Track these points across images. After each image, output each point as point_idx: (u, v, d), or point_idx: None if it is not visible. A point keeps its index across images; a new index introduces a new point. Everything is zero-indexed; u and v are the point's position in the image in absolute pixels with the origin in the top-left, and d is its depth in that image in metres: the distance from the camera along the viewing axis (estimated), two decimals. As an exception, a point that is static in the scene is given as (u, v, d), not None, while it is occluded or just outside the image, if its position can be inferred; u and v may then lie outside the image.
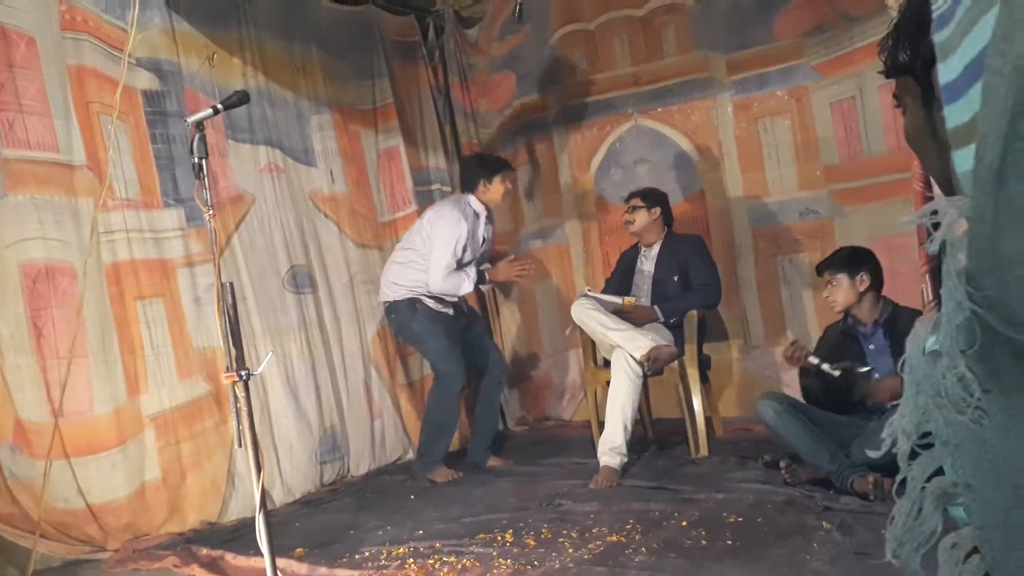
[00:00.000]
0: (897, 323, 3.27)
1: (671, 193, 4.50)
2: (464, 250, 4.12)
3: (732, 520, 2.95)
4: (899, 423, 0.49)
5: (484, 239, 4.30)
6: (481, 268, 4.22)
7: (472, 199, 4.21)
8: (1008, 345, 0.43)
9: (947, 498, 0.47)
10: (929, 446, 0.47)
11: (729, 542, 2.73)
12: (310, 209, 4.46)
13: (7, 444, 3.26)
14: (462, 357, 4.14)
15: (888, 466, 3.15)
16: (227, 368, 2.29)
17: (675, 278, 4.21)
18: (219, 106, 2.47)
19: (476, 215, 4.20)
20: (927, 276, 2.24)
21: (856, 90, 4.21)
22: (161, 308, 3.71)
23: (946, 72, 0.53)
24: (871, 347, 3.32)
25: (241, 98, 2.54)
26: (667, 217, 4.34)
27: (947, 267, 0.47)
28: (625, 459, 3.75)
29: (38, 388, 3.32)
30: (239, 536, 3.40)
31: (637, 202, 4.30)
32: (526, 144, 5.49)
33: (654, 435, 4.53)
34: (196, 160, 2.36)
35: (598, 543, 2.87)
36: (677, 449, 4.17)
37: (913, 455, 0.51)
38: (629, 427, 3.77)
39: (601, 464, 3.73)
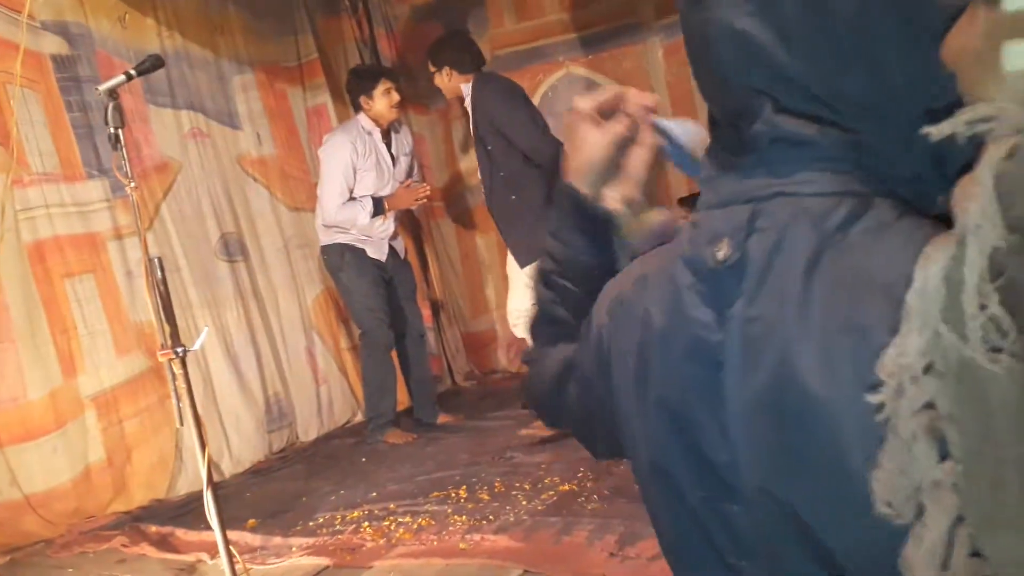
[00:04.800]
0: None
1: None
2: (356, 173, 3.93)
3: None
4: (899, 360, 0.45)
5: (395, 157, 4.12)
6: (376, 196, 3.98)
7: (362, 118, 4.03)
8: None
9: (934, 432, 0.45)
10: None
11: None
12: (238, 174, 4.33)
13: None
14: (387, 314, 4.07)
15: None
16: (162, 346, 2.23)
17: None
18: (132, 72, 2.35)
19: (369, 134, 4.01)
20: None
21: (784, 29, 4.23)
22: (93, 284, 3.59)
23: None
24: None
25: (154, 63, 2.44)
26: None
27: (984, 182, 0.41)
28: None
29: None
30: (190, 511, 3.35)
31: None
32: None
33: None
34: (112, 131, 2.26)
35: (551, 493, 2.91)
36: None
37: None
38: None
39: None
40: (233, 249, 4.21)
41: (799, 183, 0.57)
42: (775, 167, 0.58)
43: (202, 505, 2.31)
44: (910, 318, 0.45)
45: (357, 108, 4.07)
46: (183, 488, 3.69)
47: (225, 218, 4.19)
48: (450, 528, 2.71)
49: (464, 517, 2.79)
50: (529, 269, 3.73)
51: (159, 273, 2.25)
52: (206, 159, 4.15)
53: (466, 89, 3.83)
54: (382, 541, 2.72)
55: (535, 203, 3.56)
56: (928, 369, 0.43)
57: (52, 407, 3.41)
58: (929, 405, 0.44)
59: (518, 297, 3.86)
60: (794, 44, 0.55)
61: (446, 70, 3.83)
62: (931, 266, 0.44)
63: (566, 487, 2.94)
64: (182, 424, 2.24)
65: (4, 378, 3.30)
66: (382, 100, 3.97)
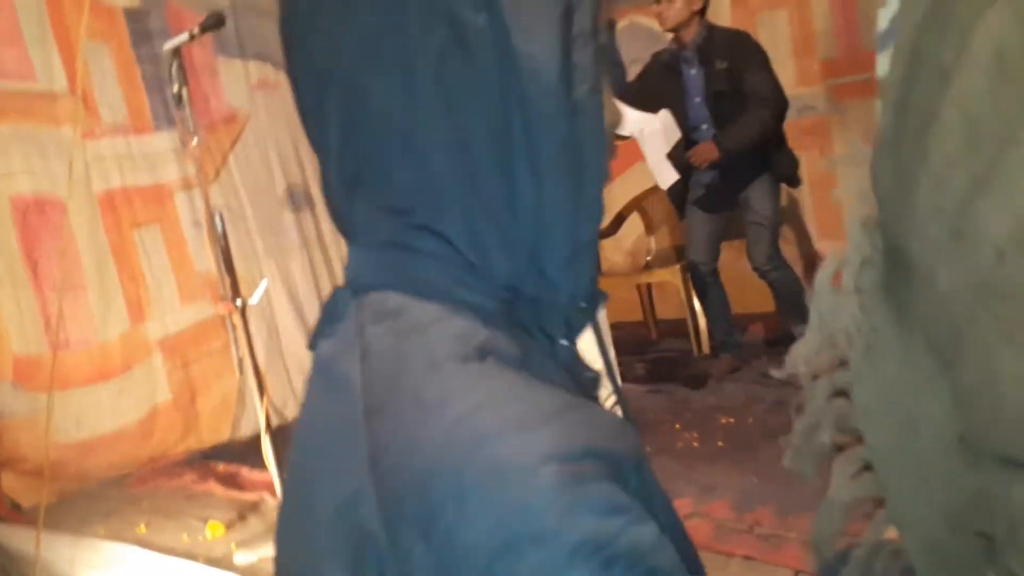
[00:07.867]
0: (712, 42, 3.37)
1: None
2: None
3: (724, 422, 3.03)
4: (801, 350, 0.50)
5: None
6: None
7: None
8: (904, 277, 0.43)
9: (844, 420, 0.50)
10: None
11: (720, 443, 2.81)
12: (303, 125, 4.41)
13: (7, 382, 3.24)
14: None
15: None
16: (222, 298, 2.33)
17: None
18: (194, 31, 2.41)
19: None
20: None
21: (856, -22, 4.07)
22: (159, 234, 3.73)
23: None
24: (692, 72, 3.46)
25: (217, 21, 2.47)
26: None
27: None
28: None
29: (37, 321, 3.35)
30: (255, 450, 3.50)
31: None
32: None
33: (658, 336, 4.60)
34: (175, 89, 2.33)
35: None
36: (681, 350, 4.23)
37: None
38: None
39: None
40: (298, 199, 4.31)
41: None
42: None
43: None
44: (811, 314, 0.50)
45: None
46: (247, 430, 3.84)
47: (291, 168, 4.28)
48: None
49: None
50: None
51: (220, 227, 2.34)
52: (273, 110, 4.23)
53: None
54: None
55: None
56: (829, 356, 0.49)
57: (121, 350, 3.56)
58: (839, 392, 0.49)
59: None
60: None
61: None
62: (825, 269, 0.49)
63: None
64: (242, 373, 2.35)
65: (77, 322, 3.45)
66: None
